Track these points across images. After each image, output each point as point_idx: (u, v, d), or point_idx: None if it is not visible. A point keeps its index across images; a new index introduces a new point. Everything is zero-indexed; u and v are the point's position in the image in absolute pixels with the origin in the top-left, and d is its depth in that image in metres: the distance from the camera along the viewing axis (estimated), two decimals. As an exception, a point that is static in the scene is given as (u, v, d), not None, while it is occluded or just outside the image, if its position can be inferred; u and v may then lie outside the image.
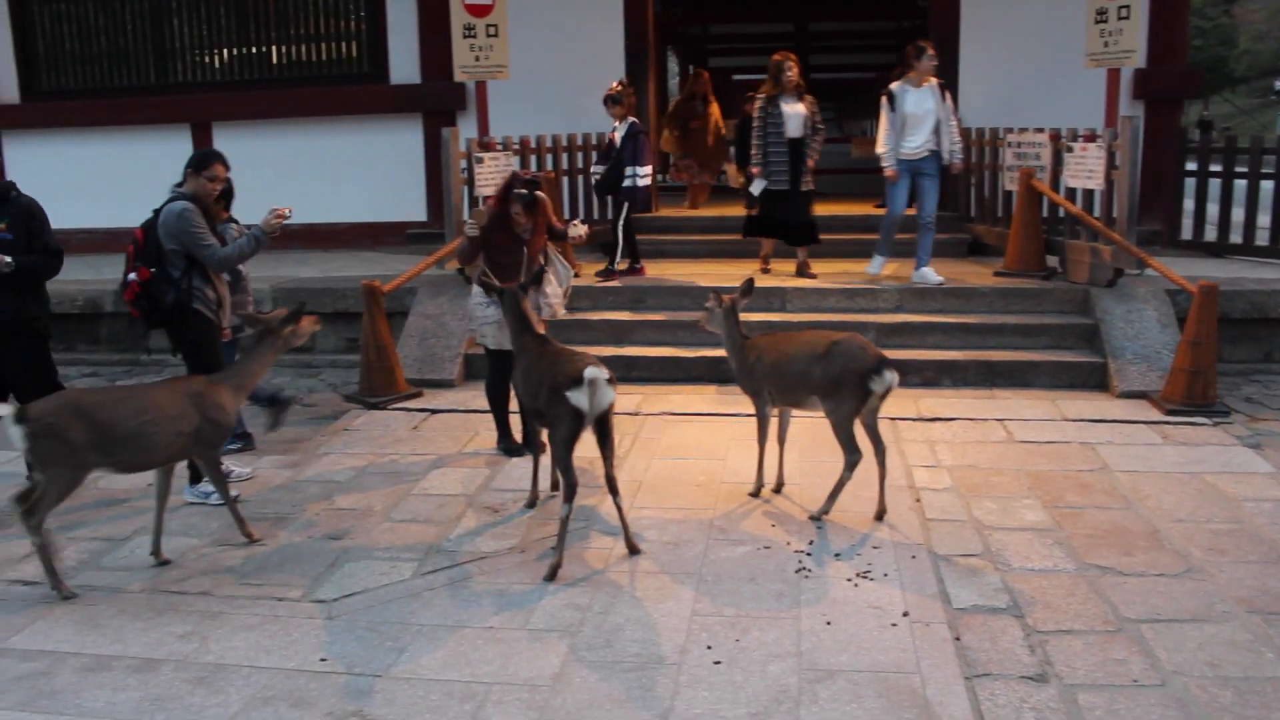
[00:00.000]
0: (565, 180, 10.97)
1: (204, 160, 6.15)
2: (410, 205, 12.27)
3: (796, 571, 5.06)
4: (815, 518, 5.71)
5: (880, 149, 9.13)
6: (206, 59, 12.99)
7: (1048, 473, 6.37)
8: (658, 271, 10.16)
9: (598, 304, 9.35)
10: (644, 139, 9.67)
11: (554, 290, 6.77)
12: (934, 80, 9.06)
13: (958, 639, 4.40)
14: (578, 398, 5.11)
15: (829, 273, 9.70)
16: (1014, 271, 9.38)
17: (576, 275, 8.60)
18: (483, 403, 7.94)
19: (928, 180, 9.15)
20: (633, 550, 5.30)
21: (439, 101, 11.97)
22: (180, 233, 5.95)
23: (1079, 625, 4.50)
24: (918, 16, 17.23)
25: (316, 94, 12.42)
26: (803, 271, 9.66)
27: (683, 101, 13.27)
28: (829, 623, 4.54)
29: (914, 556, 5.21)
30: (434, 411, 8.05)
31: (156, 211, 6.08)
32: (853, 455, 5.59)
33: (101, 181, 12.73)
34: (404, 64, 12.25)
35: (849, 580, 4.96)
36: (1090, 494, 6.02)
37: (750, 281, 6.16)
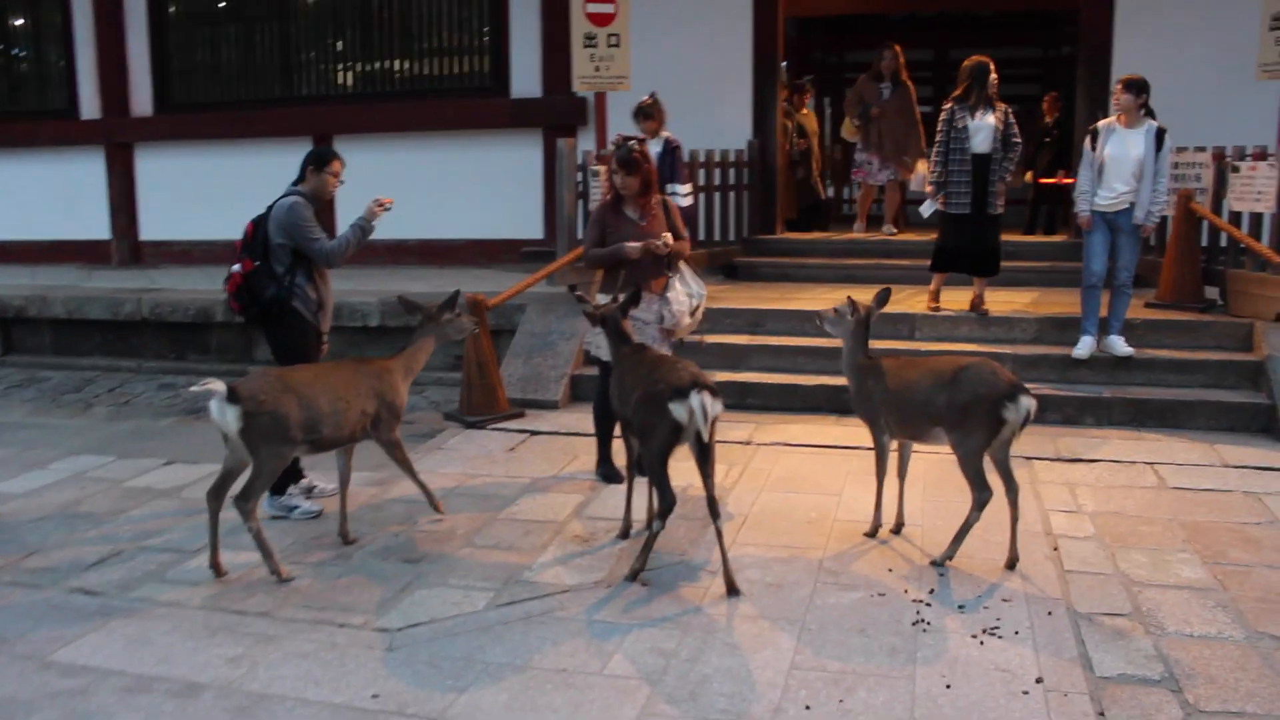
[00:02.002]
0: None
1: (324, 157, 6.05)
2: (527, 223, 11.96)
3: (914, 624, 4.46)
4: (937, 563, 5.09)
5: (1077, 192, 7.97)
6: (330, 73, 12.95)
7: (1207, 524, 5.63)
8: (779, 295, 9.63)
9: (714, 326, 8.81)
10: (680, 154, 8.94)
11: (680, 299, 6.17)
12: (1152, 122, 7.67)
13: (1101, 715, 3.75)
14: (678, 409, 4.64)
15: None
16: (1168, 303, 8.58)
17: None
18: (586, 425, 7.55)
19: (1125, 237, 7.76)
20: (731, 590, 4.76)
21: (559, 115, 11.66)
22: (289, 225, 5.82)
23: (1251, 707, 3.80)
24: (1066, 42, 16.39)
25: (437, 107, 12.24)
26: (977, 307, 8.64)
27: (865, 81, 11.62)
28: (948, 686, 3.94)
29: (1050, 613, 4.56)
30: (534, 433, 7.64)
31: (270, 207, 5.96)
32: (982, 494, 4.97)
33: (225, 193, 12.68)
34: (526, 77, 11.98)
35: (973, 637, 4.34)
36: (1258, 550, 5.27)
37: (887, 291, 5.58)
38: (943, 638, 4.34)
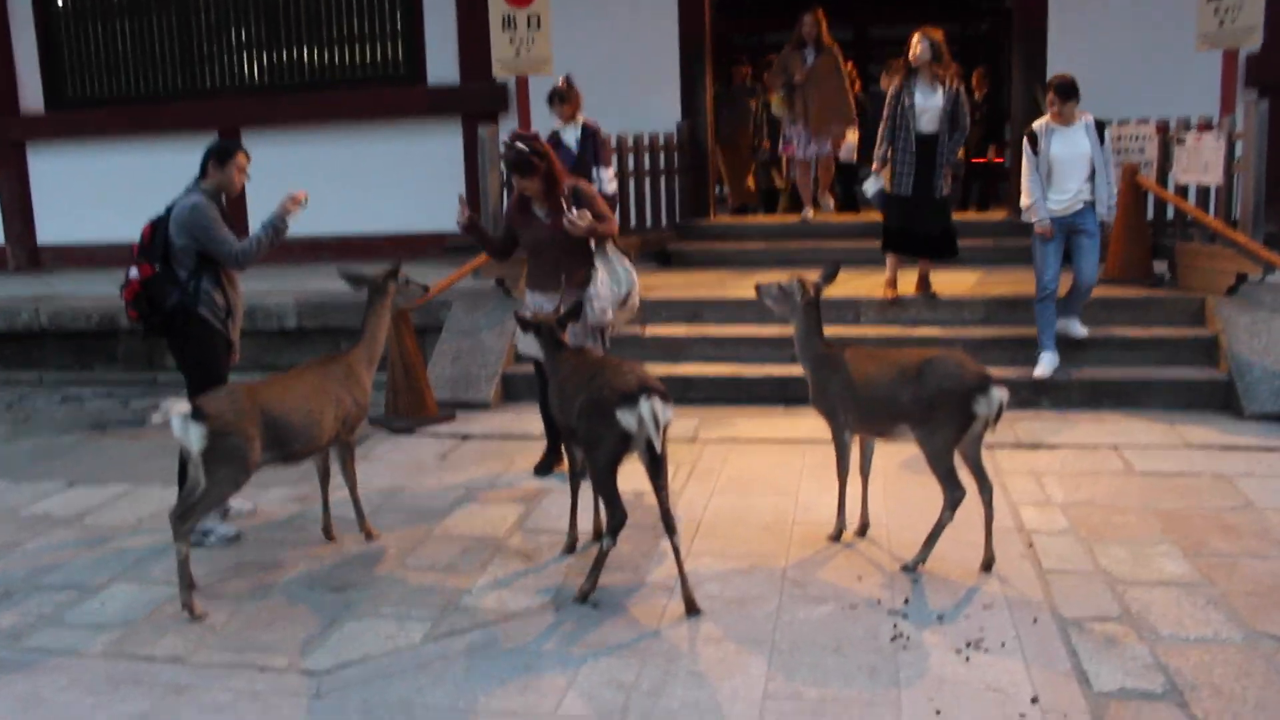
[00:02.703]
0: (616, 184, 10.08)
1: (227, 150, 5.51)
2: (449, 215, 11.10)
3: (892, 640, 4.10)
4: (909, 568, 4.75)
5: (1025, 200, 7.38)
6: (235, 64, 12.25)
7: (1181, 511, 5.37)
8: (715, 281, 9.25)
9: (651, 317, 8.39)
10: (600, 136, 8.32)
11: (603, 293, 5.76)
12: (1088, 117, 7.32)
13: (1109, 737, 3.43)
14: (626, 418, 4.24)
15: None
16: (1117, 279, 8.33)
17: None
18: (520, 426, 7.20)
19: (1086, 239, 7.28)
20: (691, 609, 4.37)
21: (479, 103, 11.15)
22: (193, 227, 5.32)
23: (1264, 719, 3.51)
24: (990, 17, 16.21)
25: (350, 98, 11.66)
26: (924, 289, 8.30)
27: (789, 50, 10.73)
28: (938, 711, 3.59)
29: (1035, 620, 4.24)
30: (466, 437, 7.19)
31: (170, 208, 5.43)
32: (954, 492, 4.63)
33: (128, 192, 11.91)
34: (442, 64, 11.43)
35: (958, 651, 4.00)
36: (1239, 539, 5.00)
37: (836, 266, 5.22)
38: (924, 654, 3.99)
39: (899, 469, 5.93)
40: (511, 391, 7.97)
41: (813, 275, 5.16)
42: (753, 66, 13.36)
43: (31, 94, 12.59)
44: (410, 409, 7.46)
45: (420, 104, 11.51)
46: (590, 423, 4.41)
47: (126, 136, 12.13)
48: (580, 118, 8.22)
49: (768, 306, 5.26)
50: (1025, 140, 7.42)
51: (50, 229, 12.71)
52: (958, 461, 4.67)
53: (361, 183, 11.65)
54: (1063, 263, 7.37)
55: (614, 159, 9.13)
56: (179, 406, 4.51)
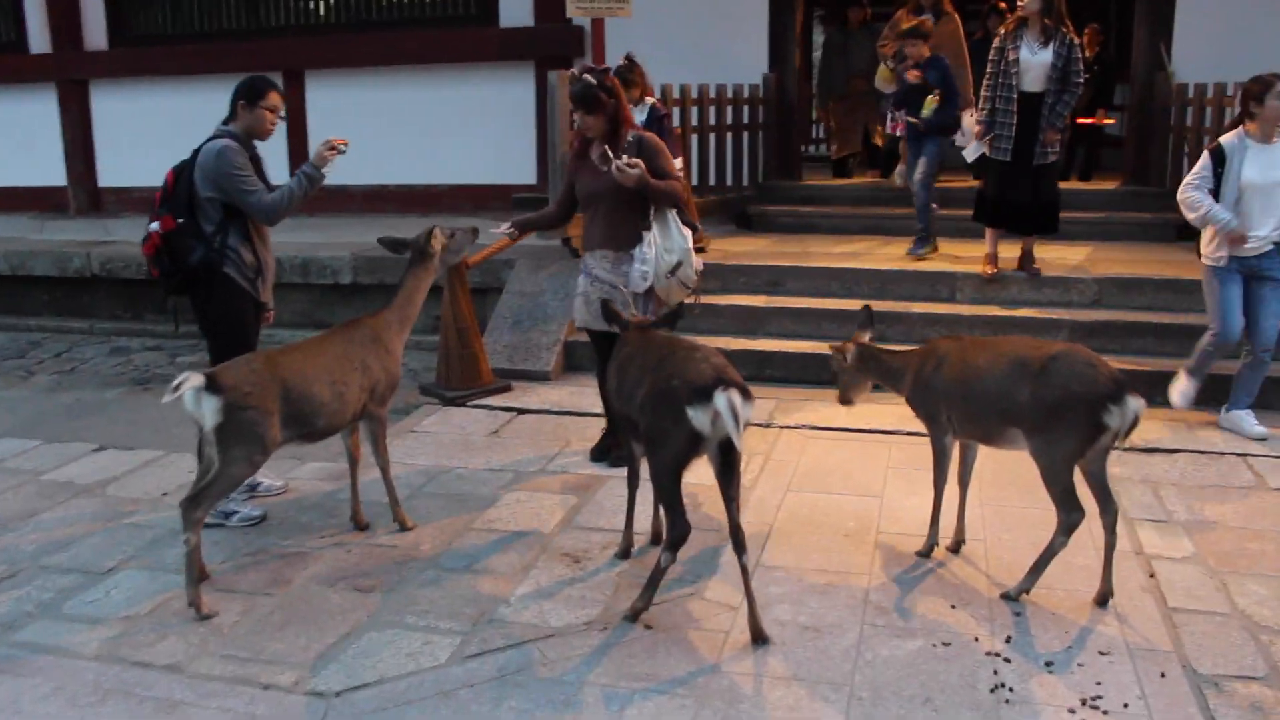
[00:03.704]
0: (695, 139, 9.43)
1: (257, 88, 4.95)
2: (518, 166, 10.86)
3: (993, 691, 3.49)
4: (1011, 597, 4.12)
5: (1193, 214, 5.89)
6: (301, 1, 11.75)
7: (1329, 539, 4.66)
8: (800, 249, 8.58)
9: (726, 285, 7.81)
10: (669, 122, 7.63)
11: (649, 256, 5.16)
12: None
13: None
14: (698, 415, 3.63)
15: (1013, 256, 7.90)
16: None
17: (702, 249, 6.39)
18: (580, 402, 6.70)
19: (1271, 289, 5.90)
20: (758, 638, 3.79)
21: (552, 46, 10.52)
22: (219, 175, 4.80)
23: None
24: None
25: (418, 39, 11.09)
26: (1027, 265, 7.53)
27: (905, 15, 9.18)
28: (1053, 796, 2.98)
29: (1164, 674, 3.59)
30: (521, 411, 6.65)
31: (197, 152, 4.91)
32: (1071, 514, 3.97)
33: (190, 135, 11.37)
34: (515, 4, 10.79)
35: (1071, 712, 3.37)
36: (1403, 578, 4.29)
37: (868, 310, 4.75)
38: (1032, 712, 3.37)
39: (996, 473, 5.26)
40: (574, 361, 7.42)
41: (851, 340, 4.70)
42: (872, 7, 12.27)
43: (95, 29, 12.21)
44: (463, 378, 6.93)
45: (491, 46, 10.90)
46: (655, 418, 3.81)
47: (189, 76, 11.68)
48: (649, 100, 7.52)
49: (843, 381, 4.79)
50: (1207, 155, 5.87)
51: (111, 172, 12.39)
52: (1077, 478, 4.01)
53: (428, 130, 11.14)
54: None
55: (681, 147, 8.44)
56: (190, 380, 4.01)
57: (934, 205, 8.18)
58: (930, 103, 7.98)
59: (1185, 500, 5.12)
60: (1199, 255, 6.07)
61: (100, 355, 8.96)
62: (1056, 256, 7.93)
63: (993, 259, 7.51)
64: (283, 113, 5.04)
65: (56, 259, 9.77)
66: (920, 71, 8.08)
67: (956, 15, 9.32)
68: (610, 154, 5.07)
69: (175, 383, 4.01)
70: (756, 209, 9.75)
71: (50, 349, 9.19)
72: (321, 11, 11.72)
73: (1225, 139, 5.84)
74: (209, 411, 4.05)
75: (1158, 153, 9.16)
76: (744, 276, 7.89)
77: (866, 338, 4.64)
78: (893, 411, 6.28)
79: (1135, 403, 3.81)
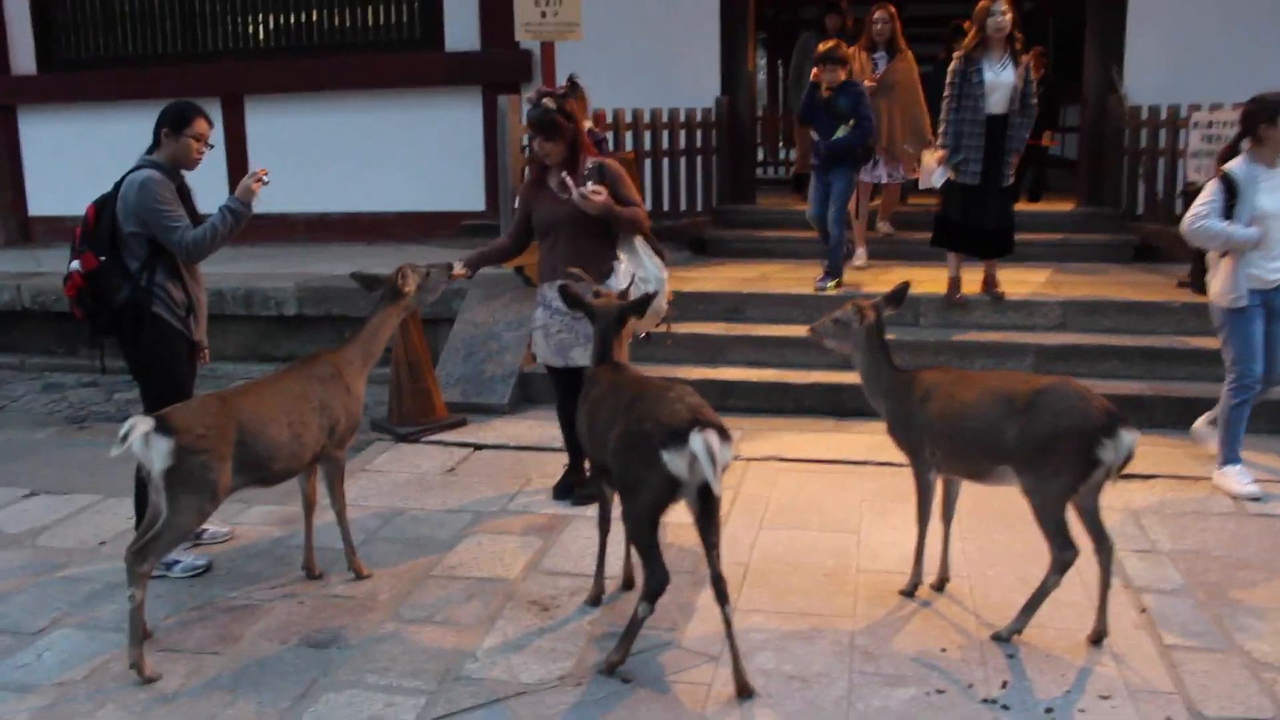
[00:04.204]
0: (648, 164, 9.26)
1: (182, 116, 4.60)
2: (466, 193, 10.61)
3: (995, 745, 3.31)
4: (1003, 638, 3.94)
5: (1215, 240, 5.33)
6: (240, 24, 11.42)
7: (1317, 568, 4.54)
8: (759, 275, 8.42)
9: (684, 313, 7.58)
10: (606, 148, 7.37)
11: (622, 287, 4.90)
12: None
13: None
14: (674, 460, 3.41)
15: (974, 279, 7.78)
16: (1204, 283, 7.46)
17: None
18: (538, 435, 6.48)
19: None
20: (743, 691, 3.56)
21: (500, 71, 10.32)
22: (141, 209, 4.47)
23: None
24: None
25: (361, 64, 10.83)
26: (991, 288, 7.42)
27: (855, 53, 8.65)
28: None
29: (1169, 719, 3.43)
30: (478, 447, 6.40)
31: (119, 184, 4.58)
32: (1064, 552, 3.81)
33: (123, 162, 11.20)
34: (462, 28, 10.56)
35: (1080, 765, 3.20)
36: (1398, 608, 4.18)
37: (904, 287, 4.41)
38: (1039, 767, 3.19)
39: (975, 504, 5.10)
40: (530, 393, 7.18)
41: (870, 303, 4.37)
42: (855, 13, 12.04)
43: (23, 54, 11.81)
44: (415, 412, 6.67)
45: (437, 71, 10.68)
46: (627, 463, 3.60)
47: (123, 101, 11.30)
48: (585, 123, 6.87)
49: (828, 348, 4.52)
50: (1218, 183, 5.31)
51: (42, 200, 11.97)
52: (1070, 515, 3.85)
53: (372, 156, 10.86)
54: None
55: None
56: (140, 425, 3.73)
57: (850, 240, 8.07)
58: (844, 129, 7.66)
59: (1167, 528, 4.99)
60: (1195, 290, 5.73)
61: (32, 392, 8.58)
62: (1017, 279, 7.84)
63: (956, 283, 7.39)
64: (211, 141, 4.71)
65: (-16, 292, 9.37)
66: (832, 92, 7.75)
67: (910, 53, 8.94)
68: (569, 181, 4.89)
69: (123, 431, 3.72)
70: (713, 234, 9.60)
71: (-22, 387, 8.79)
72: (261, 35, 11.40)
73: (1233, 166, 5.35)
74: (159, 455, 3.77)
75: (1112, 174, 9.14)
76: (702, 304, 7.71)
77: (889, 313, 4.34)
78: (862, 441, 6.16)
79: (1129, 436, 3.66)
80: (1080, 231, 8.85)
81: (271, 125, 10.99)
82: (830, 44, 7.86)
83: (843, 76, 7.75)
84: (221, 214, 4.58)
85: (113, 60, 11.65)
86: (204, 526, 4.89)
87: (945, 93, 7.12)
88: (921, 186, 8.06)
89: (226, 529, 5.12)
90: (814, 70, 7.85)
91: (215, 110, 11.00)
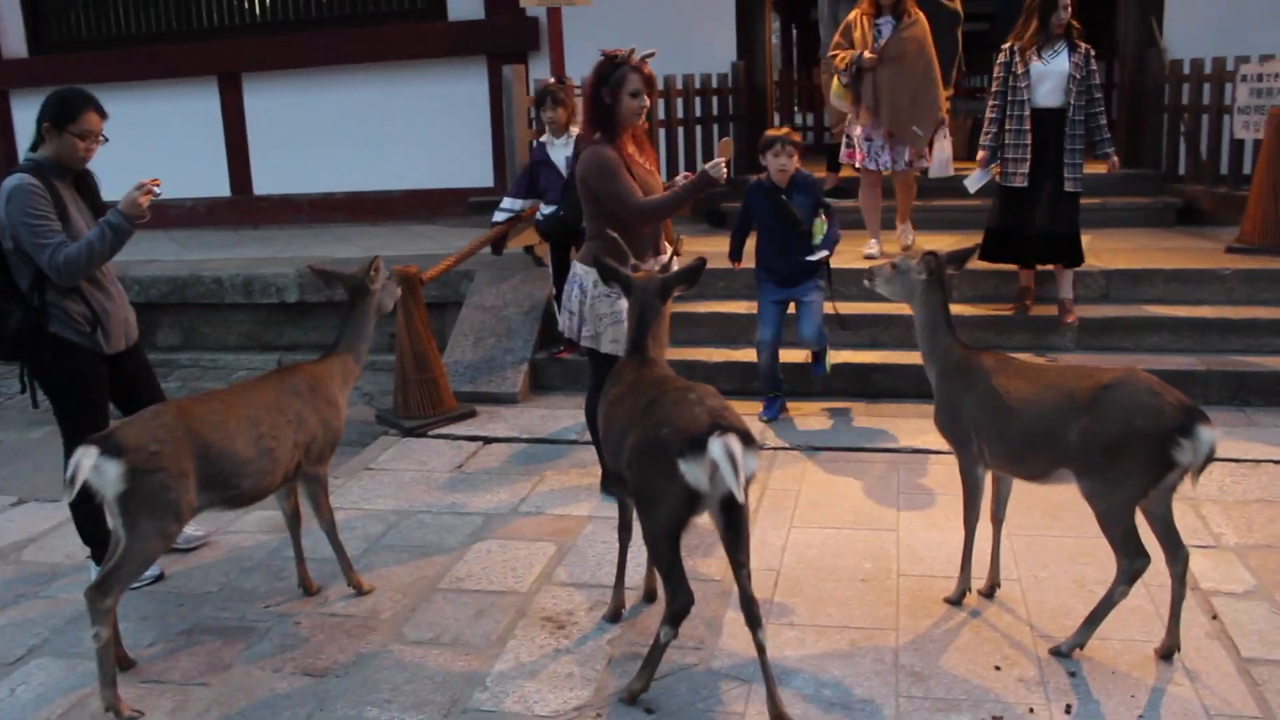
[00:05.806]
0: (663, 133, 8.85)
1: (66, 109, 4.08)
2: (473, 169, 10.26)
3: (1065, 786, 2.95)
4: (1063, 653, 3.58)
5: None
6: (235, 0, 11.06)
7: (1401, 563, 4.16)
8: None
9: (703, 291, 7.21)
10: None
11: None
12: None
13: None
14: (692, 470, 3.05)
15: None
16: (1256, 247, 7.05)
17: (676, 254, 5.40)
18: (551, 426, 6.07)
19: None
20: (779, 723, 3.22)
21: (506, 40, 9.94)
22: (12, 223, 3.99)
23: None
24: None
25: (361, 37, 10.46)
26: (1063, 317, 6.57)
27: (856, 17, 7.41)
28: None
29: (1257, 749, 3.07)
30: (488, 440, 6.06)
31: None
32: (1135, 561, 3.43)
33: (119, 146, 10.88)
34: (465, -4, 10.20)
35: (1163, 808, 2.84)
36: None
37: (971, 250, 4.07)
38: (1116, 811, 2.83)
39: (1017, 496, 4.72)
40: (543, 381, 6.84)
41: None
42: None
43: (14, 36, 11.52)
44: (422, 404, 6.33)
45: (440, 42, 10.29)
46: (643, 475, 3.24)
47: (116, 83, 10.90)
48: (574, 128, 6.43)
49: (878, 292, 4.11)
50: None
51: (39, 185, 11.65)
52: (1139, 521, 3.48)
53: (375, 133, 10.53)
54: None
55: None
56: (84, 454, 3.33)
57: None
58: (820, 227, 6.05)
59: (1231, 520, 4.61)
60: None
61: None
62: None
63: (1023, 296, 6.73)
64: (104, 137, 4.17)
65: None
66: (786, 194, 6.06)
67: (923, 18, 7.41)
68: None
69: (70, 473, 3.33)
70: (730, 206, 9.17)
71: (-22, 383, 8.49)
72: (258, 10, 11.05)
73: None
74: (110, 480, 3.39)
75: (1152, 133, 8.68)
76: (722, 280, 7.31)
77: (952, 274, 3.94)
78: (895, 425, 5.79)
79: (1209, 434, 3.28)
80: (1119, 195, 8.40)
81: (270, 103, 10.64)
82: (781, 131, 6.20)
83: (795, 165, 6.03)
84: (101, 230, 4.02)
85: (105, 41, 11.36)
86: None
87: (992, 87, 6.57)
88: (933, 175, 7.42)
89: (202, 532, 4.80)
90: (759, 170, 6.27)
91: (212, 89, 10.76)
